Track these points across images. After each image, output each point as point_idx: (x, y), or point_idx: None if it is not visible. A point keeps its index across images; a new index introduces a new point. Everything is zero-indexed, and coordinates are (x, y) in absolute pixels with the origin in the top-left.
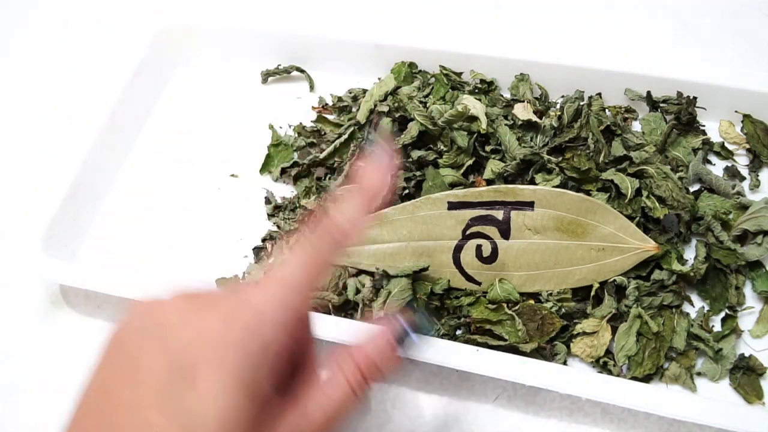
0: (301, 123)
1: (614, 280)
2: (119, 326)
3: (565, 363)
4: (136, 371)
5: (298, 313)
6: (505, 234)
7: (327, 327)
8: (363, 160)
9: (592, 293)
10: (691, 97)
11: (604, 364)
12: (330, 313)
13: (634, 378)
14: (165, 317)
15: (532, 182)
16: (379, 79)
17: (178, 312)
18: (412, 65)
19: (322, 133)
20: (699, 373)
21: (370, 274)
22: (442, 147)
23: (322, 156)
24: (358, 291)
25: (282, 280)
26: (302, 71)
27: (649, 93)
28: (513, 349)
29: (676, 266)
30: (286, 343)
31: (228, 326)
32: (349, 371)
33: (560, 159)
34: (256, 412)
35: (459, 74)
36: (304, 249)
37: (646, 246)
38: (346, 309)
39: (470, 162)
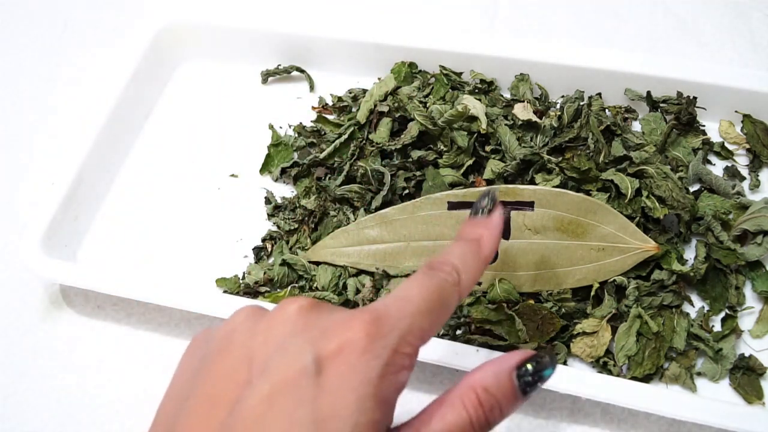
0: (301, 123)
1: (614, 280)
2: (234, 329)
3: (565, 363)
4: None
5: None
6: (505, 234)
7: None
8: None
9: (592, 293)
10: (691, 97)
11: (604, 364)
12: None
13: (634, 378)
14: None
15: (532, 182)
16: (379, 79)
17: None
18: (412, 65)
19: (322, 133)
20: (699, 373)
21: (370, 274)
22: (442, 147)
23: (322, 156)
24: (358, 291)
25: (405, 299)
26: (302, 71)
27: (649, 93)
28: (513, 349)
29: (676, 266)
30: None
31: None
32: (471, 407)
33: (560, 159)
34: (379, 419)
35: (459, 74)
36: (425, 279)
37: (646, 246)
38: None
39: (470, 162)
